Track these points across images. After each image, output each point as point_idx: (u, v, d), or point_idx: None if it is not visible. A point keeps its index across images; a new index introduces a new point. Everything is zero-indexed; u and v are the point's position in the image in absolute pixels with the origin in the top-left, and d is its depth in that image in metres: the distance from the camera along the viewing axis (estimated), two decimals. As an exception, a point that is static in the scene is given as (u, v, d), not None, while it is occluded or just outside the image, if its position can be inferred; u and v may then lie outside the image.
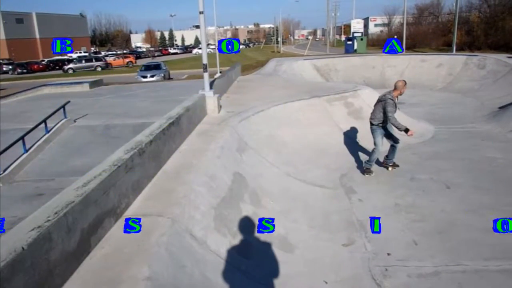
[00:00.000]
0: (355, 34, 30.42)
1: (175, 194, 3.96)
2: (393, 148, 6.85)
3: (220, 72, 20.97)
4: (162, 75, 24.44)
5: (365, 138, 8.49)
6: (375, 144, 6.67)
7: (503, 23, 41.10)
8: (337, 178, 6.66)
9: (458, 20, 44.18)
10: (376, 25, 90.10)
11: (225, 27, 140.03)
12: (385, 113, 6.36)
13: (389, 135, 6.78)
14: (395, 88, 6.44)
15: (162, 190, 4.05)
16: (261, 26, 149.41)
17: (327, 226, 4.96)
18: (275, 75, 15.00)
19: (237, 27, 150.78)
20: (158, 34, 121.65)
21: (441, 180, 6.25)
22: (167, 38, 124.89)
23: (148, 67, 25.98)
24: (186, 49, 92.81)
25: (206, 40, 7.73)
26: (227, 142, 5.94)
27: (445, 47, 48.82)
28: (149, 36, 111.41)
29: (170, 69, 28.61)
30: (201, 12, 7.17)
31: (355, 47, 29.64)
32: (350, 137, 8.52)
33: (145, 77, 23.67)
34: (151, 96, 13.76)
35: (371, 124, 6.76)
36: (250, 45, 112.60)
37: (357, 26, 29.51)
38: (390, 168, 6.95)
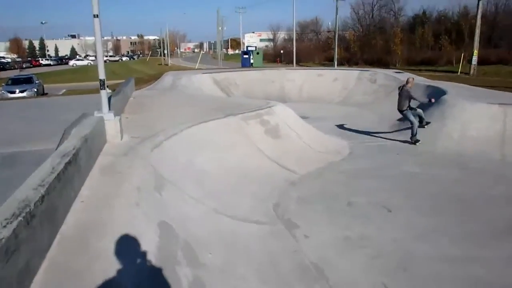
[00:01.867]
0: (249, 48, 30.61)
1: (87, 277, 2.65)
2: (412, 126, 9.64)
3: (107, 87, 18.85)
4: (35, 90, 21.09)
5: (285, 159, 7.94)
6: (411, 122, 9.61)
7: (375, 41, 46.29)
8: (270, 209, 5.86)
9: (335, 37, 48.38)
10: (261, 39, 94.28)
11: (105, 38, 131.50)
12: (410, 99, 9.62)
13: (416, 114, 9.85)
14: (407, 83, 9.94)
15: (65, 273, 2.70)
16: (146, 37, 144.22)
17: (280, 278, 4.08)
18: (175, 90, 13.76)
19: (119, 37, 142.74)
20: (26, 43, 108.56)
21: (379, 203, 5.91)
22: (37, 48, 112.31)
23: (16, 81, 22.24)
24: (61, 60, 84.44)
25: (101, 53, 6.27)
26: (144, 180, 4.67)
27: (326, 62, 52.98)
28: (16, 45, 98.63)
29: (44, 83, 24.98)
30: (95, 16, 5.75)
31: (252, 61, 29.83)
32: (271, 158, 7.85)
33: (12, 92, 20.19)
34: (22, 117, 11.37)
35: (402, 111, 9.84)
36: (134, 57, 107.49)
37: (251, 40, 29.61)
38: (417, 144, 9.47)
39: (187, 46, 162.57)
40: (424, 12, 50.89)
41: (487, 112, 9.56)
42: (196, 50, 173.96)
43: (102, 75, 6.25)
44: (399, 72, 18.36)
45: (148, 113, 9.10)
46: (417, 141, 9.48)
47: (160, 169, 5.44)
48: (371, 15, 52.10)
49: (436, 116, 10.02)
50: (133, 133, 6.76)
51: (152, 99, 11.29)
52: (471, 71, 32.42)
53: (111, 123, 6.23)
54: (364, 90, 16.79)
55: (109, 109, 6.40)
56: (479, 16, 32.29)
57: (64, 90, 24.81)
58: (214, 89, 16.65)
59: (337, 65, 45.35)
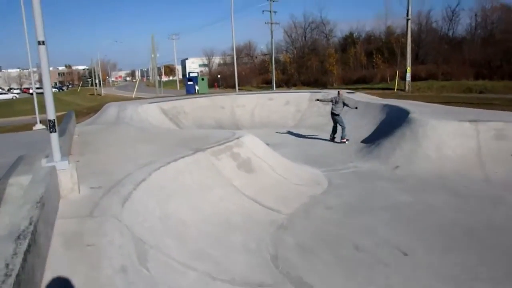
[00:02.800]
0: (192, 74, 29.57)
1: None
2: (343, 129, 12.99)
3: (40, 123, 16.84)
4: (-50, 130, 18.34)
5: (264, 196, 7.18)
6: (344, 125, 13.01)
7: (310, 63, 47.77)
8: (269, 263, 5.01)
9: (272, 60, 49.18)
10: (198, 65, 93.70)
11: (28, 69, 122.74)
12: (344, 106, 13.06)
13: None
14: (339, 94, 13.39)
15: None
16: (74, 67, 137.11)
17: None
18: (122, 124, 12.46)
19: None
20: None
21: (389, 244, 5.31)
22: None
23: None
24: (-22, 92, 77.42)
25: (49, 86, 5.09)
26: (125, 254, 3.62)
27: (264, 84, 53.64)
28: None
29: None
30: (41, 42, 4.64)
31: (197, 87, 28.83)
32: (250, 197, 7.04)
33: None
34: None
35: (338, 115, 13.06)
36: (64, 88, 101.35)
37: (192, 66, 28.40)
38: (347, 142, 12.82)
39: (118, 75, 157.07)
40: (351, 34, 53.84)
41: (459, 130, 9.56)
42: (128, 78, 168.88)
43: (51, 114, 5.04)
44: (351, 92, 18.59)
45: (101, 153, 7.86)
46: (347, 140, 12.86)
47: (137, 230, 4.40)
48: (304, 37, 53.93)
49: (409, 136, 9.89)
50: (91, 183, 5.59)
51: (100, 135, 9.98)
52: (407, 87, 34.36)
53: (65, 173, 5.05)
54: (318, 112, 16.65)
55: (61, 156, 5.21)
56: (409, 35, 34.51)
57: (-14, 128, 22.06)
58: (162, 120, 15.51)
59: (276, 87, 46.11)
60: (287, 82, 48.17)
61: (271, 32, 44.51)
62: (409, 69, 34.54)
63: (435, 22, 47.33)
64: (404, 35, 45.12)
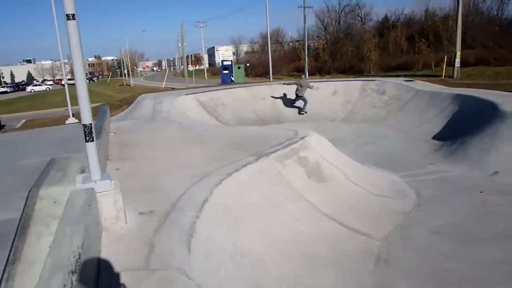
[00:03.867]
0: (225, 63, 28.02)
1: None
2: (305, 104, 15.79)
3: (73, 116, 15.90)
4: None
5: (346, 214, 5.73)
6: (306, 101, 15.64)
7: (346, 49, 45.37)
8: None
9: (304, 47, 47.08)
10: (232, 52, 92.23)
11: (61, 61, 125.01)
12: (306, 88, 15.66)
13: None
14: (301, 78, 18.38)
15: None
16: (103, 58, 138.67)
17: None
18: (160, 119, 11.22)
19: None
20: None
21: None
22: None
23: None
24: (18, 86, 79.44)
25: (83, 72, 3.74)
26: None
27: (296, 72, 51.62)
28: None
29: None
30: (70, 16, 3.30)
31: (233, 77, 27.39)
32: (329, 215, 5.61)
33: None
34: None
35: (300, 96, 15.62)
36: (94, 79, 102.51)
37: (226, 54, 26.79)
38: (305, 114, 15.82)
39: (145, 65, 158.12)
40: (388, 18, 50.87)
41: None
42: (155, 68, 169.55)
43: (87, 117, 3.70)
44: (410, 80, 16.70)
45: (144, 159, 6.60)
46: (306, 112, 15.80)
47: (208, 283, 3.05)
48: (338, 22, 51.42)
49: (508, 135, 8.18)
50: (139, 205, 4.29)
51: (139, 134, 8.76)
52: (455, 74, 31.76)
53: (108, 197, 3.75)
54: (372, 103, 14.96)
55: (101, 172, 3.91)
56: (459, 15, 31.72)
57: (24, 121, 21.58)
58: (200, 113, 14.23)
59: (308, 75, 44.12)
60: (320, 69, 45.96)
61: (304, 16, 42.36)
62: (458, 54, 31.84)
63: (483, 2, 43.81)
64: (449, 17, 42.28)
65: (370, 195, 6.58)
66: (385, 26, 49.38)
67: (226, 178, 5.11)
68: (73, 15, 3.35)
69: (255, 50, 72.70)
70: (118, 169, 5.94)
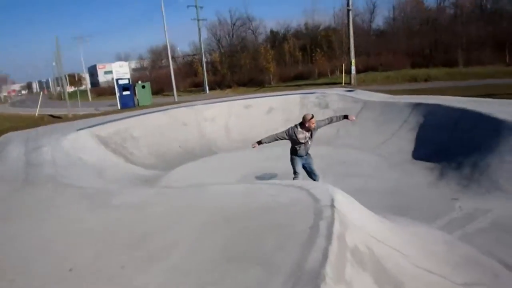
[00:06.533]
0: (120, 82, 22.85)
1: None
2: None
3: None
4: None
5: None
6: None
7: (243, 61, 43.67)
8: None
9: (199, 61, 44.15)
10: (106, 72, 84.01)
11: None
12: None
13: None
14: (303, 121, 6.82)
15: None
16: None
17: None
18: (44, 182, 6.89)
19: None
20: None
21: None
22: None
23: None
24: None
25: None
26: None
27: (193, 88, 48.21)
28: None
29: None
30: None
31: (136, 99, 22.46)
32: None
33: None
34: None
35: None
36: None
37: (121, 70, 21.89)
38: None
39: (11, 89, 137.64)
40: (279, 30, 50.98)
41: None
42: (23, 92, 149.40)
43: None
44: (350, 90, 14.78)
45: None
46: None
47: None
48: (231, 35, 49.65)
49: None
50: None
51: (2, 230, 4.62)
52: (352, 81, 32.19)
53: None
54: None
55: None
56: (351, 25, 32.26)
57: None
58: (102, 155, 10.08)
59: (209, 90, 41.27)
60: (220, 83, 43.45)
61: (199, 29, 39.70)
62: (353, 62, 32.40)
63: (358, 16, 46.53)
64: (329, 28, 43.82)
65: (454, 286, 3.79)
66: (276, 39, 49.28)
67: None
68: None
69: (144, 66, 67.36)
70: None
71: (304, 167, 6.85)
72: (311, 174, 6.91)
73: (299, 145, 6.63)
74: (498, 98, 12.05)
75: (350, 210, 4.33)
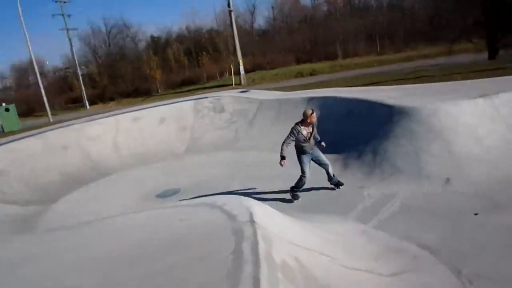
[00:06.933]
0: None
1: None
2: None
3: None
4: None
5: None
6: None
7: (124, 71, 40.97)
8: None
9: (74, 75, 40.33)
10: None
11: None
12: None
13: None
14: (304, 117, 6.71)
15: None
16: None
17: None
18: None
19: None
20: None
21: None
22: None
23: None
24: None
25: None
26: None
27: (71, 104, 43.79)
28: None
29: None
30: None
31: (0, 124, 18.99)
32: None
33: None
34: None
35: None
36: None
37: None
38: None
39: None
40: (152, 37, 49.28)
41: (479, 111, 6.93)
42: None
43: None
44: (245, 91, 14.50)
45: None
46: None
47: None
48: (108, 44, 46.38)
49: (424, 133, 6.87)
50: None
51: None
52: (242, 81, 32.50)
53: None
54: (214, 124, 12.07)
55: None
56: (234, 26, 32.44)
57: None
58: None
59: (89, 105, 37.96)
60: (102, 96, 40.22)
61: (69, 39, 36.12)
62: (241, 62, 32.77)
63: (239, 17, 47.59)
64: (212, 31, 43.99)
65: (381, 279, 3.70)
66: (158, 45, 47.63)
67: None
68: None
69: (8, 85, 59.15)
70: None
71: (313, 161, 6.80)
72: (321, 165, 6.84)
73: (304, 142, 6.59)
74: (382, 85, 13.05)
75: (269, 221, 3.95)
